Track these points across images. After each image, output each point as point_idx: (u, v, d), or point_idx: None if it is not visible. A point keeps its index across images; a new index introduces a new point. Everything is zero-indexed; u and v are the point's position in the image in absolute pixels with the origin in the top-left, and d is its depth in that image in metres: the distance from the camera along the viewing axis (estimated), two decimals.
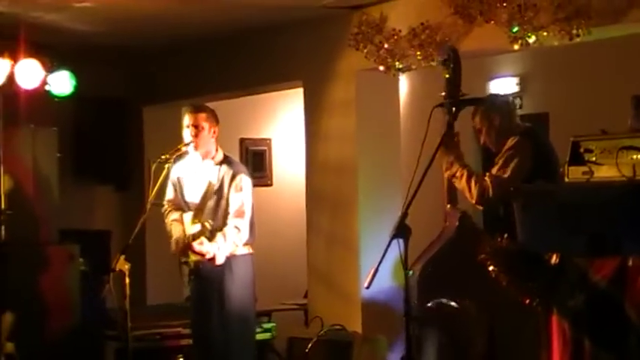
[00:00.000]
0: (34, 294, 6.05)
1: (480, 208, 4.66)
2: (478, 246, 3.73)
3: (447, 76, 4.52)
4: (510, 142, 4.61)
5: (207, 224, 5.15)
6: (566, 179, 3.52)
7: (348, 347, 5.99)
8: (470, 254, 4.02)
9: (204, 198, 5.32)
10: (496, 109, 4.78)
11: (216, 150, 5.38)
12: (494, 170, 4.59)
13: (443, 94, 4.47)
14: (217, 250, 5.15)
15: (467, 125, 4.82)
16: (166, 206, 5.48)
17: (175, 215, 5.40)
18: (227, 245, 5.18)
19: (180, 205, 5.42)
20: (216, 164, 5.35)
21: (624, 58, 6.22)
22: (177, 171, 5.44)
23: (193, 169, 5.42)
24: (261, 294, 5.65)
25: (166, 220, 5.45)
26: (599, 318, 3.27)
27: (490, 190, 4.50)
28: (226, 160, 5.38)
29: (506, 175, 4.51)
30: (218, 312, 5.26)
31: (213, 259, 5.16)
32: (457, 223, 4.73)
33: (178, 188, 5.44)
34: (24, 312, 5.96)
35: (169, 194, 5.48)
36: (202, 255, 5.18)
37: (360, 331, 6.17)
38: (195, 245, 5.15)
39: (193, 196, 5.39)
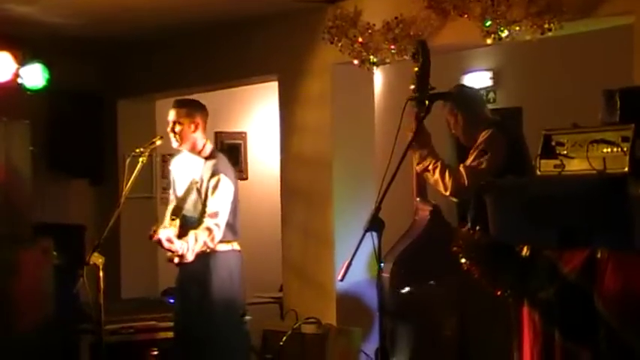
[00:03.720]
0: (7, 288, 6.02)
1: (455, 200, 4.66)
2: (450, 239, 3.76)
3: (416, 69, 4.55)
4: (484, 134, 4.61)
5: (167, 225, 5.22)
6: (538, 172, 3.55)
7: (323, 340, 6.02)
8: (442, 248, 4.04)
9: (186, 193, 5.35)
10: (465, 101, 4.79)
11: (204, 145, 5.39)
12: (468, 162, 4.60)
13: (412, 87, 4.50)
14: (186, 249, 5.16)
15: (440, 118, 4.85)
16: (172, 198, 5.53)
17: (171, 207, 5.46)
18: (197, 245, 5.18)
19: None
20: (202, 160, 5.37)
21: (596, 52, 6.28)
22: (174, 164, 5.53)
23: (183, 164, 5.45)
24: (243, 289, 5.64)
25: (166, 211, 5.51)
26: (569, 309, 3.29)
27: (466, 182, 4.51)
28: (211, 157, 5.39)
29: (482, 167, 4.52)
30: (198, 307, 5.27)
31: (182, 256, 5.18)
32: (429, 217, 4.74)
33: (172, 182, 5.49)
34: None
35: (171, 186, 5.55)
36: (172, 252, 5.19)
37: (334, 323, 6.20)
38: (165, 243, 5.15)
39: (180, 190, 5.42)
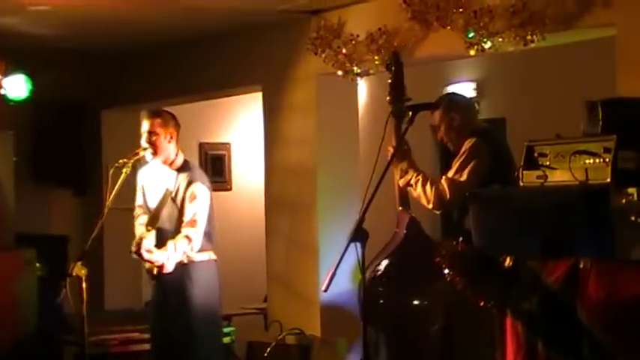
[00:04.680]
0: None
1: (437, 212, 4.67)
2: (426, 251, 3.77)
3: (390, 80, 4.56)
4: (467, 143, 4.59)
5: (145, 233, 5.19)
6: (521, 183, 3.57)
7: (307, 351, 6.01)
8: (418, 259, 4.05)
9: (160, 204, 5.32)
10: (456, 107, 4.77)
11: (176, 155, 5.39)
12: (450, 174, 4.59)
13: (387, 98, 4.50)
14: (166, 259, 5.15)
15: (422, 126, 4.86)
16: (137, 210, 5.50)
17: (143, 220, 5.41)
18: (177, 255, 5.19)
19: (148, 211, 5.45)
20: (175, 170, 5.36)
21: (578, 63, 6.32)
22: (142, 176, 5.48)
23: (154, 175, 5.43)
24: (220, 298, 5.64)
25: (135, 223, 5.46)
26: (552, 320, 3.31)
27: (448, 195, 4.51)
28: (185, 167, 5.39)
29: (463, 179, 4.50)
30: (179, 318, 5.26)
31: (162, 267, 5.17)
32: (405, 229, 4.73)
33: (143, 194, 5.46)
34: None
35: (139, 199, 5.52)
36: (152, 262, 5.18)
37: (318, 334, 6.19)
38: (145, 254, 5.15)
39: (153, 201, 5.39)
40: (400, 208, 4.80)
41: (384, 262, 4.67)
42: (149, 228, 5.24)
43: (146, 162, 5.46)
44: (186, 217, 5.24)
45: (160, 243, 5.23)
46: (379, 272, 4.62)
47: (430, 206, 4.59)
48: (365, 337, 3.87)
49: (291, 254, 6.58)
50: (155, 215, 5.31)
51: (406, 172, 4.65)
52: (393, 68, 4.56)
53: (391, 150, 4.51)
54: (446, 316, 4.50)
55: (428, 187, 4.56)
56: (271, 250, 6.76)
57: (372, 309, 4.31)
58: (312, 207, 6.37)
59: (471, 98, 6.29)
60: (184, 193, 5.27)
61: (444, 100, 4.81)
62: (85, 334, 5.10)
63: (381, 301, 4.59)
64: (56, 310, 6.22)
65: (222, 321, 5.71)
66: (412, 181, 4.62)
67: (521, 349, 3.42)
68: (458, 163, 4.58)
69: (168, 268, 5.17)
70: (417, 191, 4.61)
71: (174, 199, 5.28)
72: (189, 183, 5.28)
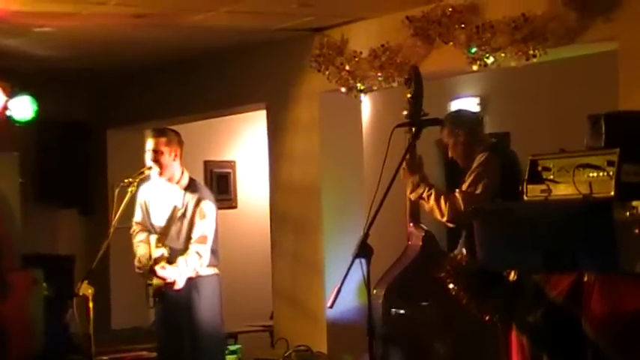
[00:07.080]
0: None
1: (451, 225, 4.65)
2: (441, 265, 3.77)
3: (409, 95, 4.56)
4: (479, 158, 4.61)
5: (165, 252, 5.21)
6: (525, 197, 3.57)
7: None
8: (434, 274, 4.03)
9: (169, 222, 5.36)
10: (462, 124, 4.78)
11: (182, 174, 5.42)
12: (464, 187, 4.59)
13: (405, 113, 4.51)
14: (178, 275, 5.18)
15: (429, 141, 4.87)
16: (134, 227, 5.51)
17: (142, 237, 5.43)
18: (188, 270, 5.23)
19: (148, 227, 5.45)
20: (182, 189, 5.39)
21: (581, 78, 6.33)
22: (144, 193, 5.49)
23: (159, 193, 5.45)
24: (227, 316, 5.66)
25: (133, 241, 5.48)
26: (556, 334, 3.31)
27: (462, 207, 4.48)
28: (192, 185, 5.42)
29: (478, 192, 4.51)
30: (187, 332, 5.29)
31: (173, 283, 5.19)
32: (421, 243, 4.73)
33: (145, 211, 5.48)
34: None
35: (137, 216, 5.52)
36: (164, 279, 5.21)
37: (325, 351, 6.18)
38: (158, 270, 5.18)
39: (159, 219, 5.42)
40: (411, 224, 4.79)
41: (397, 277, 4.66)
42: (159, 245, 5.28)
43: (149, 179, 5.48)
44: (196, 234, 5.27)
45: (169, 260, 5.25)
46: (392, 287, 4.61)
47: (444, 219, 4.57)
48: (371, 352, 3.86)
49: (296, 271, 6.59)
50: (164, 233, 5.34)
51: (418, 186, 4.65)
52: (412, 84, 4.56)
53: (403, 165, 4.50)
54: (454, 331, 4.49)
55: (442, 200, 4.55)
56: (277, 268, 6.76)
57: (381, 324, 4.31)
58: (317, 224, 6.38)
59: (477, 113, 6.28)
60: (194, 210, 5.30)
61: (450, 117, 4.82)
62: (91, 354, 5.11)
63: (393, 316, 4.57)
64: (63, 329, 6.22)
65: (225, 332, 5.73)
66: (424, 195, 4.61)
67: None
68: (472, 177, 4.57)
69: (180, 284, 5.21)
70: (429, 204, 4.60)
71: (183, 217, 5.31)
72: (199, 201, 5.32)
